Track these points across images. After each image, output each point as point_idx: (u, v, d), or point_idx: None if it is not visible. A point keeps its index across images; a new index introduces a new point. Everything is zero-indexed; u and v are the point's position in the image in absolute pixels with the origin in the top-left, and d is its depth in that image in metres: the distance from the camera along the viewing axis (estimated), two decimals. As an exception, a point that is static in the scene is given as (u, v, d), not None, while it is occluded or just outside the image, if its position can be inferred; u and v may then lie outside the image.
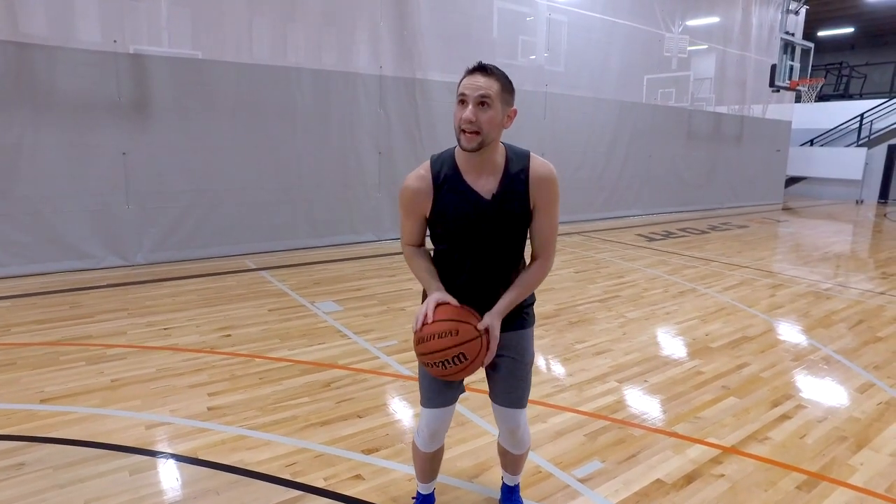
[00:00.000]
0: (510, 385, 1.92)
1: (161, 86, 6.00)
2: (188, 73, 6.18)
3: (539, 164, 1.73)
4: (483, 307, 1.79)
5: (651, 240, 8.73)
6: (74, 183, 5.66)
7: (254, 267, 6.32)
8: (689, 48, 11.52)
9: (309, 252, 7.04)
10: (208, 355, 3.75)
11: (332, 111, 7.17)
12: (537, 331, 4.43)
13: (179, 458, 2.56)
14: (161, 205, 6.19)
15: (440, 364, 1.69)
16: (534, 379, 3.42)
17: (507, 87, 1.64)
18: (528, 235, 1.82)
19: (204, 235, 6.51)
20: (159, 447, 2.64)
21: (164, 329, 4.23)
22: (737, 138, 13.32)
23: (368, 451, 2.64)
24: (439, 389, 1.89)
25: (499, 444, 2.12)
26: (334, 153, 7.27)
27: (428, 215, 1.77)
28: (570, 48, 9.51)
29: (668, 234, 9.31)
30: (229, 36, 6.53)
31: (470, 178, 1.70)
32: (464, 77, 1.64)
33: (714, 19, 11.99)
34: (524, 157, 1.74)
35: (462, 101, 1.62)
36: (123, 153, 5.87)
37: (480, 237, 1.73)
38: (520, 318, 1.88)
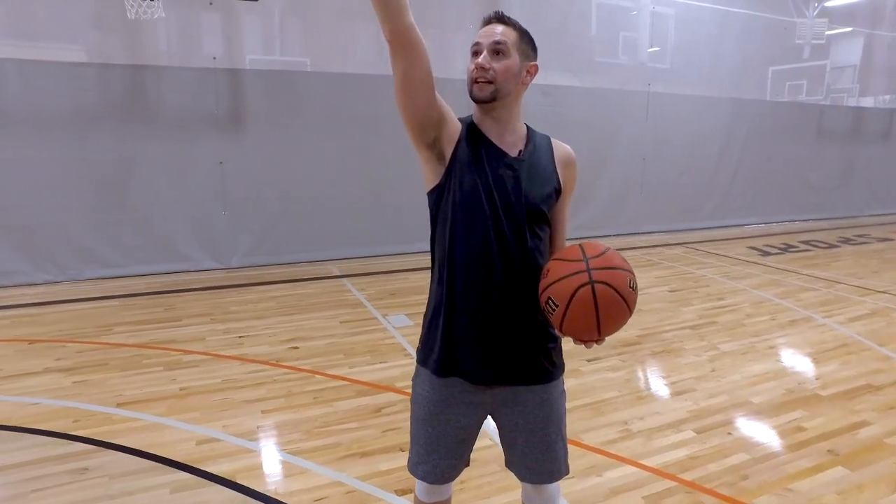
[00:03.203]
0: (534, 458, 1.60)
1: (254, 98, 6.33)
2: (279, 85, 6.45)
3: (561, 144, 1.61)
4: (497, 330, 1.48)
5: (765, 254, 7.81)
6: (177, 191, 6.13)
7: (338, 273, 6.46)
8: (827, 32, 10.15)
9: (394, 259, 7.08)
10: (272, 368, 3.83)
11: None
12: (612, 361, 4.10)
13: (218, 479, 2.59)
14: (254, 211, 6.53)
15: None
16: (597, 420, 3.15)
17: (525, 37, 1.50)
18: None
19: (294, 241, 6.77)
20: (203, 465, 2.69)
21: (239, 337, 4.40)
22: (883, 134, 11.57)
23: (401, 492, 2.51)
24: (445, 455, 1.58)
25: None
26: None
27: (440, 132, 1.46)
28: (678, 43, 8.76)
29: (787, 248, 8.27)
30: (323, 48, 6.75)
31: (492, 136, 1.51)
32: (479, 29, 1.51)
33: (860, -3, 10.48)
34: (545, 135, 1.61)
35: (476, 52, 1.47)
36: (220, 163, 6.25)
37: (504, 198, 1.45)
38: (542, 366, 1.54)
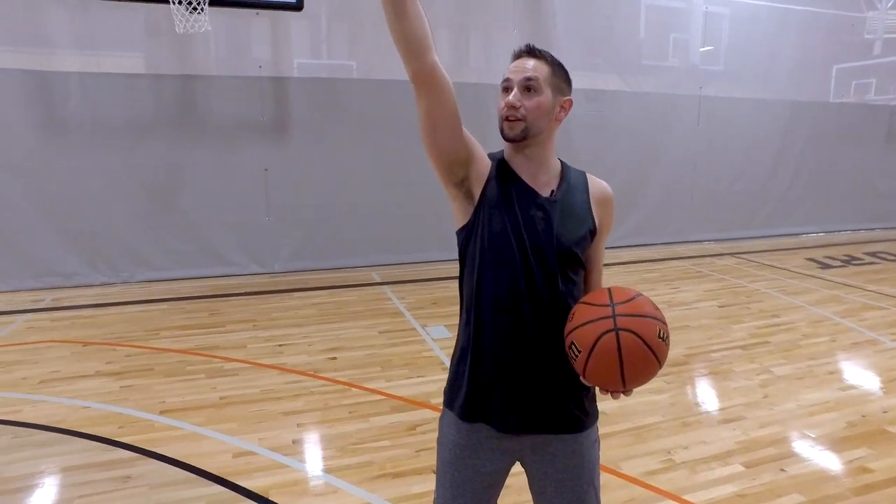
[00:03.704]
0: None
1: (299, 105, 6.45)
2: (324, 92, 6.54)
3: (597, 180, 1.53)
4: (525, 377, 1.41)
5: (825, 267, 7.38)
6: (223, 197, 6.30)
7: (378, 280, 6.48)
8: (902, 25, 9.50)
9: (435, 266, 7.05)
10: (310, 380, 3.86)
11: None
12: (656, 383, 3.93)
13: (252, 495, 2.61)
14: (297, 217, 6.63)
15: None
16: (638, 448, 3.02)
17: (558, 72, 1.43)
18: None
19: (335, 246, 6.85)
20: (238, 479, 2.72)
21: (279, 346, 4.47)
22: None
23: (433, 518, 2.46)
24: (470, 501, 1.50)
25: None
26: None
27: (468, 171, 1.41)
28: (731, 44, 8.39)
29: (849, 260, 7.79)
30: (370, 53, 6.80)
31: (523, 175, 1.44)
32: (510, 63, 1.44)
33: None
34: (580, 171, 1.53)
35: (506, 88, 1.41)
36: (265, 169, 6.38)
37: (534, 240, 1.38)
38: (573, 415, 1.46)
